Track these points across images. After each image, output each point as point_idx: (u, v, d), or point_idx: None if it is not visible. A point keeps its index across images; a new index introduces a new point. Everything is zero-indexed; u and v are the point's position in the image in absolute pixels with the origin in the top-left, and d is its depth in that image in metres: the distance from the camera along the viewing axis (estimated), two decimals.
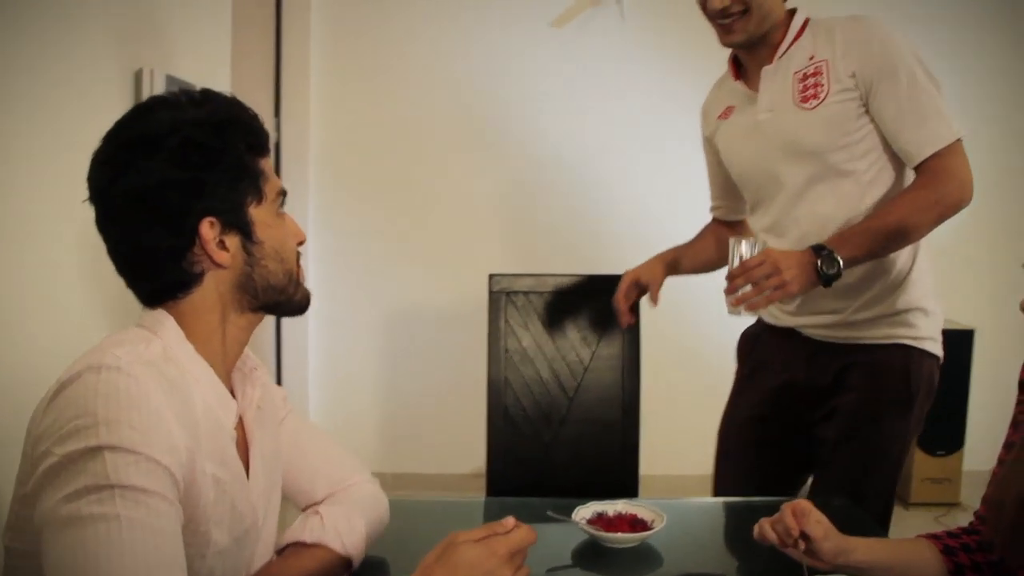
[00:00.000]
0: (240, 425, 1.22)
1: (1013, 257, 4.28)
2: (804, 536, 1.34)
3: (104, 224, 1.12)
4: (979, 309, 4.21)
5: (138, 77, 2.06)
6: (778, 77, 1.87)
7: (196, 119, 1.09)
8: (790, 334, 1.99)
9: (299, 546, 1.29)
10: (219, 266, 1.12)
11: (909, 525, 3.98)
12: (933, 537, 1.43)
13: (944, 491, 4.13)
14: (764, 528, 1.37)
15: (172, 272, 1.11)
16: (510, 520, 1.09)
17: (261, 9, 3.72)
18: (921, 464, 4.12)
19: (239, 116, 1.14)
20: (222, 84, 2.66)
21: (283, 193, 1.20)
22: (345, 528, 1.31)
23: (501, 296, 2.23)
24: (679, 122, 3.94)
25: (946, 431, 4.10)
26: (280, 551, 1.30)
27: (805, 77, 1.83)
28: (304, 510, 1.39)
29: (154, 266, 1.11)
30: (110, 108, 1.96)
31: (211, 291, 1.13)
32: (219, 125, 1.11)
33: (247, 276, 1.15)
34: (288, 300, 1.21)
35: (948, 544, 1.42)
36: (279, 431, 1.34)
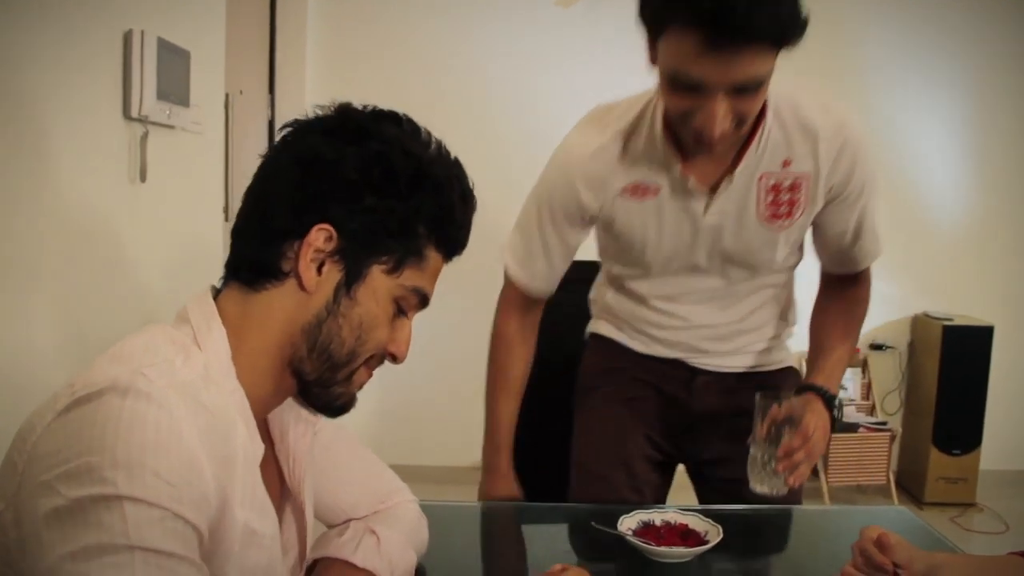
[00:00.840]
0: (275, 466, 1.06)
1: None
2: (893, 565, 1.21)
3: (263, 165, 1.00)
4: (998, 306, 4.12)
5: (127, 39, 1.88)
6: (740, 179, 1.53)
7: (414, 153, 0.99)
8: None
9: (342, 566, 1.13)
10: (300, 281, 0.95)
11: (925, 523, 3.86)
12: None
13: (960, 491, 4.01)
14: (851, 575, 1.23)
15: (262, 245, 0.96)
16: (557, 567, 1.04)
17: None
18: (936, 463, 4.00)
19: (451, 197, 1.02)
20: (215, 54, 2.47)
21: (423, 301, 1.04)
22: (398, 558, 1.18)
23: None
24: None
25: (963, 429, 3.98)
26: (315, 562, 1.14)
27: (778, 189, 1.54)
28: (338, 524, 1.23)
29: (257, 230, 0.97)
30: (97, 71, 1.79)
31: (282, 307, 0.96)
32: (424, 173, 0.99)
33: (318, 321, 0.96)
34: (328, 387, 1.00)
35: None
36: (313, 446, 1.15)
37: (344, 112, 1.00)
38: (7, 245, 1.47)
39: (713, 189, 1.53)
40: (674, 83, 1.33)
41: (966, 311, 4.08)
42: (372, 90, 3.73)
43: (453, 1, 3.84)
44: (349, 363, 0.99)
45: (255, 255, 0.96)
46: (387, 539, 1.17)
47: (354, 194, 0.94)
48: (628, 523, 1.43)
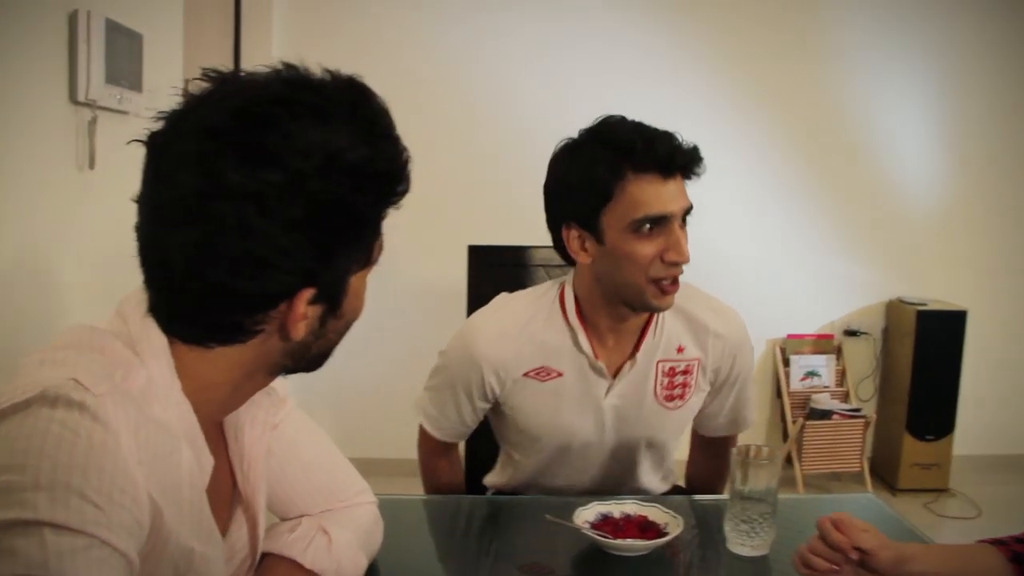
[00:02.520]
0: (228, 466, 1.00)
1: (1004, 239, 4.22)
2: (856, 550, 1.18)
3: (166, 221, 0.82)
4: (970, 291, 4.12)
5: (72, 20, 1.82)
6: (641, 364, 1.65)
7: (356, 164, 0.82)
8: None
9: (290, 565, 1.09)
10: (288, 339, 0.87)
11: (897, 512, 3.86)
12: (998, 543, 1.26)
13: (933, 477, 4.00)
14: (807, 558, 1.21)
15: (228, 322, 0.84)
16: None
17: None
18: (910, 449, 3.99)
19: (400, 164, 0.88)
20: (172, 37, 2.42)
21: (382, 249, 0.95)
22: (348, 561, 1.13)
23: (481, 268, 2.04)
24: (662, 92, 3.84)
25: (936, 415, 3.97)
26: (261, 559, 1.09)
27: (673, 373, 1.67)
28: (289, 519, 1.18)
29: (209, 306, 0.83)
30: (41, 53, 1.74)
31: (251, 354, 0.88)
32: (379, 181, 0.86)
33: (305, 346, 0.90)
34: (317, 364, 0.95)
35: (1017, 551, 1.26)
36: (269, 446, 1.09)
37: (243, 143, 0.79)
38: None
39: (615, 373, 1.64)
40: (642, 226, 1.49)
41: (940, 296, 4.07)
42: (340, 67, 3.70)
43: None
44: (336, 346, 0.95)
45: (211, 334, 0.85)
46: (338, 540, 1.13)
47: (330, 254, 0.84)
48: (585, 515, 1.39)
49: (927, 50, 4.06)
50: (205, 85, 0.83)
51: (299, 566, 1.08)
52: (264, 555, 1.09)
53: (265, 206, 0.78)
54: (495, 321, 1.66)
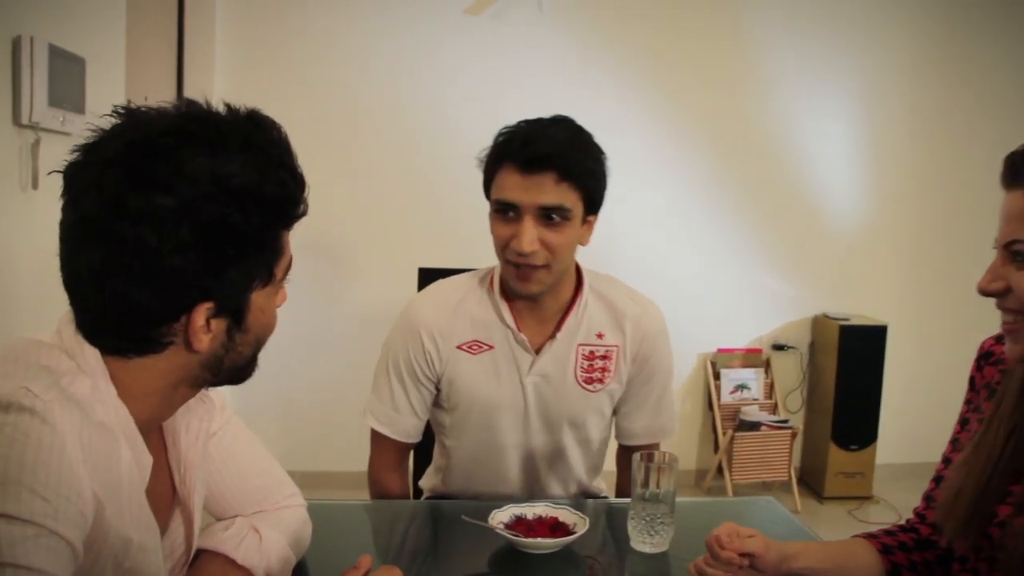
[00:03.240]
0: (167, 469, 1.09)
1: (921, 256, 4.42)
2: (744, 554, 1.29)
3: (78, 242, 0.91)
4: (892, 306, 4.31)
5: (16, 45, 1.89)
6: (561, 344, 1.78)
7: (243, 190, 0.91)
8: None
9: (223, 561, 1.17)
10: (193, 350, 0.96)
11: (823, 518, 4.02)
12: (870, 537, 1.40)
13: (857, 485, 4.18)
14: (702, 570, 1.31)
15: (136, 334, 0.94)
16: (365, 560, 1.08)
17: None
18: (835, 459, 4.16)
19: (289, 190, 0.97)
20: (115, 61, 2.48)
21: (290, 266, 1.04)
22: (276, 559, 1.22)
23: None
24: (598, 109, 3.95)
25: (859, 425, 4.15)
26: (197, 554, 1.18)
27: (592, 356, 1.81)
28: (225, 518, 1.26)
29: (119, 319, 0.92)
30: None
31: (166, 366, 0.97)
32: (267, 205, 0.94)
33: (218, 359, 0.99)
34: (238, 376, 1.05)
35: (886, 543, 1.39)
36: (208, 451, 1.18)
37: (138, 168, 0.89)
38: None
39: (538, 351, 1.77)
40: (500, 209, 1.67)
41: (862, 311, 4.26)
42: (283, 91, 3.76)
43: (366, 8, 3.86)
44: (253, 359, 1.05)
45: (124, 345, 0.94)
46: (269, 539, 1.22)
47: (218, 271, 0.93)
48: (500, 516, 1.49)
49: (846, 77, 4.25)
50: (113, 120, 0.94)
51: (231, 561, 1.17)
52: (199, 551, 1.18)
53: (159, 227, 0.88)
54: (433, 295, 1.83)
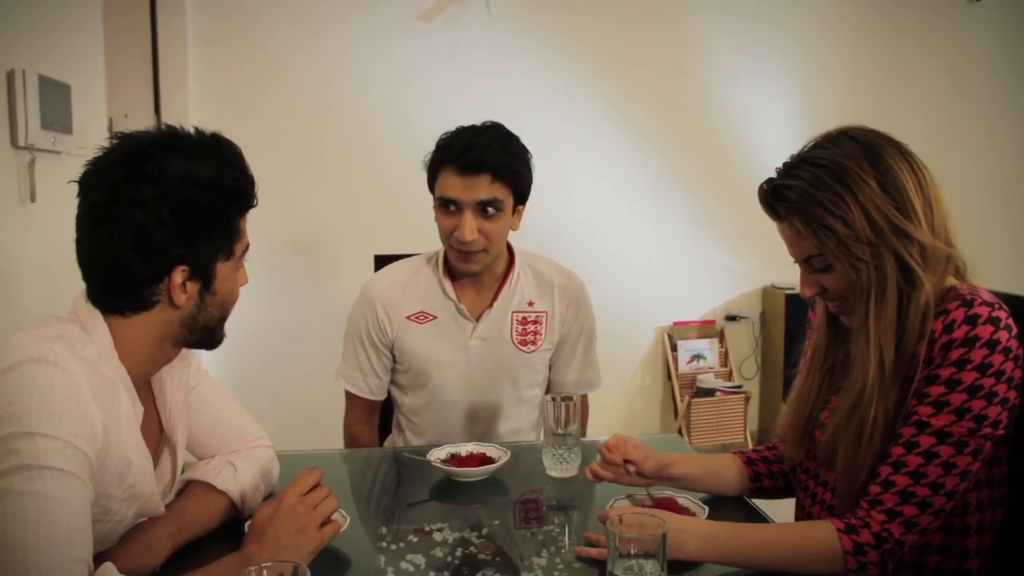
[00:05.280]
0: (156, 416, 1.41)
1: None
2: (628, 462, 1.57)
3: (90, 227, 1.23)
4: None
5: (11, 77, 2.15)
6: (497, 311, 2.09)
7: (205, 180, 1.23)
8: None
9: (205, 487, 1.46)
10: (175, 306, 1.27)
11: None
12: (739, 453, 1.68)
13: None
14: (595, 471, 1.60)
15: (132, 293, 1.25)
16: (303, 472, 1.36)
17: (133, 8, 3.78)
18: None
19: (238, 181, 1.29)
20: (96, 84, 2.75)
21: (247, 248, 1.36)
22: (250, 487, 1.51)
23: None
24: (541, 109, 4.23)
25: None
26: (185, 485, 1.48)
27: (525, 322, 2.12)
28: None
29: (119, 282, 1.24)
30: None
31: (156, 320, 1.27)
32: (223, 192, 1.26)
33: (192, 317, 1.30)
34: (210, 338, 1.37)
35: (750, 457, 1.68)
36: (189, 401, 1.49)
37: (132, 168, 1.21)
38: None
39: (478, 319, 2.08)
40: (443, 205, 1.97)
41: None
42: (252, 104, 4.03)
43: (327, 21, 4.09)
44: (222, 321, 1.37)
45: (122, 302, 1.26)
46: (243, 471, 1.51)
47: (189, 240, 1.24)
48: (437, 454, 1.80)
49: (786, 61, 4.54)
50: (113, 141, 1.28)
51: (211, 487, 1.46)
52: (186, 482, 1.48)
53: (146, 209, 1.20)
54: (386, 274, 2.17)
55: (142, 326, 1.28)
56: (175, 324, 1.30)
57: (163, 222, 1.21)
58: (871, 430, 1.34)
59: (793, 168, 1.39)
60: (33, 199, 2.22)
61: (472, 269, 2.01)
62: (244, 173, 1.32)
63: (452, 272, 2.08)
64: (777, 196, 1.39)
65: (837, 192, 1.32)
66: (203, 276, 1.29)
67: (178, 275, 1.25)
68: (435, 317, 2.09)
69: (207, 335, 1.35)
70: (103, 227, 1.22)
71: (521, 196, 2.01)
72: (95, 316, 1.26)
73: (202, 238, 1.26)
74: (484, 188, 1.93)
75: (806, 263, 1.41)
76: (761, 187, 1.43)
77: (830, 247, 1.33)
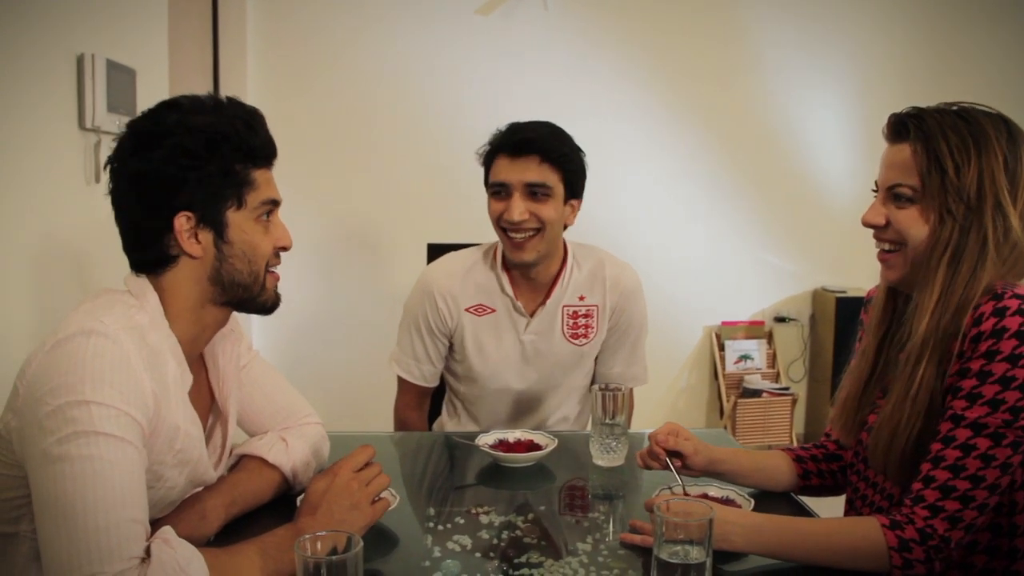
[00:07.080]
0: (208, 388, 1.45)
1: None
2: (677, 454, 1.57)
3: (112, 195, 1.31)
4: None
5: (80, 61, 2.21)
6: (550, 309, 2.12)
7: (196, 126, 1.26)
8: None
9: (258, 461, 1.50)
10: (190, 255, 1.30)
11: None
12: (787, 449, 1.68)
13: None
14: (644, 459, 1.61)
15: (152, 248, 1.29)
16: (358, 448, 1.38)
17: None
18: None
19: (237, 130, 1.29)
20: (159, 69, 2.81)
21: (273, 203, 1.36)
22: (301, 462, 1.55)
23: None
24: (594, 106, 4.24)
25: None
26: (239, 459, 1.52)
27: (576, 316, 2.14)
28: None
29: (137, 239, 1.31)
30: (55, 92, 2.12)
31: (186, 276, 1.31)
32: (212, 136, 1.27)
33: (216, 270, 1.32)
34: (252, 299, 1.38)
35: (799, 454, 1.67)
36: (240, 378, 1.52)
37: (133, 129, 1.30)
38: None
39: (532, 314, 2.12)
40: (495, 191, 2.02)
41: (857, 284, 4.48)
42: (308, 95, 4.11)
43: (385, 10, 4.14)
44: (255, 278, 1.37)
45: (148, 258, 1.31)
46: (294, 446, 1.55)
47: (181, 181, 1.26)
48: (485, 439, 1.82)
49: (842, 60, 4.47)
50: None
51: (264, 461, 1.50)
52: (240, 457, 1.52)
53: (142, 156, 1.26)
54: (445, 265, 2.18)
55: (178, 286, 1.31)
56: (203, 280, 1.32)
57: (155, 169, 1.25)
58: (917, 388, 1.34)
59: (941, 108, 1.42)
60: (98, 180, 2.28)
61: (525, 258, 2.01)
62: (247, 124, 1.32)
63: (508, 266, 2.10)
64: (914, 117, 1.42)
65: (968, 144, 1.35)
66: (213, 224, 1.30)
67: (182, 220, 1.28)
68: (493, 310, 2.13)
69: (245, 293, 1.36)
70: (113, 186, 1.30)
71: (572, 187, 2.02)
72: (143, 283, 1.31)
73: (196, 181, 1.27)
74: (533, 170, 1.96)
75: (890, 190, 1.42)
76: (897, 113, 1.46)
77: (931, 186, 1.35)
